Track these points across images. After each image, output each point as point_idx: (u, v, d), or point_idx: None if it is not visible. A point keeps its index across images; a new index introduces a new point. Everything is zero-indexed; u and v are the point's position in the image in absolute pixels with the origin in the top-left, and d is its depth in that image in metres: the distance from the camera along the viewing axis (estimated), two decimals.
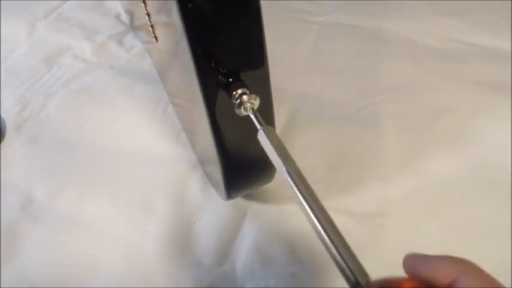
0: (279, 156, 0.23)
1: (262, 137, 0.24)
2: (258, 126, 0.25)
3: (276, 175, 0.36)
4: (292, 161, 0.23)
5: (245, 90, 0.25)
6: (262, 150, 0.29)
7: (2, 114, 0.48)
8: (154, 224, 0.38)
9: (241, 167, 0.32)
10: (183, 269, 0.36)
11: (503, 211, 0.37)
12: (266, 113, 0.26)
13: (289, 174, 0.22)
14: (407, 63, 0.53)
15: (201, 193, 0.40)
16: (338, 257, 0.19)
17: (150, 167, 0.43)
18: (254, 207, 0.39)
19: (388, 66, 0.52)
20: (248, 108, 0.26)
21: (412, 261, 0.19)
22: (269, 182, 0.36)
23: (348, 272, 0.18)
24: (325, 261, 0.36)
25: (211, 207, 0.39)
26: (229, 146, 0.30)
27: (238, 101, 0.25)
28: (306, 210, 0.20)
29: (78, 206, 0.40)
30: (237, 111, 0.26)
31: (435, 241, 0.36)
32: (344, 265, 0.18)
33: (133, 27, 0.58)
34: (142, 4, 0.37)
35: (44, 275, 0.36)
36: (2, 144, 0.45)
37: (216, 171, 0.32)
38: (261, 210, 0.39)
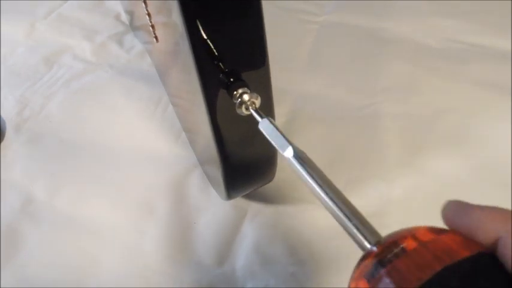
0: (283, 139, 0.23)
1: (264, 127, 0.25)
2: (259, 119, 0.25)
3: (276, 175, 0.36)
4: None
5: (246, 89, 0.25)
6: (263, 149, 0.29)
7: (2, 114, 0.48)
8: (154, 224, 0.38)
9: (241, 166, 0.32)
10: (183, 269, 0.36)
11: None
12: (267, 112, 0.26)
13: (295, 153, 0.22)
14: (407, 63, 0.53)
15: (201, 193, 0.40)
16: (347, 222, 0.19)
17: (150, 167, 0.43)
18: (254, 207, 0.39)
19: (388, 66, 0.52)
20: (249, 107, 0.26)
21: (452, 212, 0.17)
22: (269, 182, 0.36)
23: (359, 236, 0.18)
24: (325, 262, 0.36)
25: (211, 208, 0.39)
26: (230, 146, 0.30)
27: (239, 100, 0.26)
28: (314, 187, 0.20)
29: (78, 206, 0.40)
30: (238, 110, 0.26)
31: None
32: (354, 229, 0.18)
33: (133, 27, 0.58)
34: (143, 4, 0.37)
35: (44, 275, 0.36)
36: (2, 144, 0.45)
37: (217, 171, 0.32)
38: (261, 210, 0.39)
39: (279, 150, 0.23)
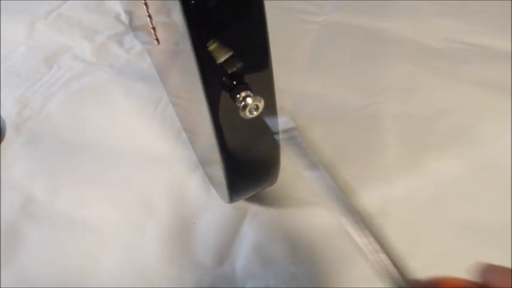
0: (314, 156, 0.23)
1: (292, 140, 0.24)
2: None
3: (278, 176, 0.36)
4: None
5: (249, 93, 0.25)
6: (266, 152, 0.29)
7: (2, 114, 0.48)
8: (155, 224, 0.38)
9: (244, 170, 0.32)
10: (183, 269, 0.36)
11: (503, 211, 0.37)
12: (270, 114, 0.26)
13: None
14: (408, 63, 0.53)
15: (201, 193, 0.40)
16: (382, 261, 0.19)
17: (150, 167, 0.43)
18: (254, 207, 0.39)
19: (388, 66, 0.52)
20: (253, 110, 0.25)
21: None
22: (272, 185, 0.36)
23: (396, 277, 0.18)
24: (325, 262, 0.36)
25: (211, 208, 0.39)
26: (233, 149, 0.29)
27: (243, 103, 0.25)
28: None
29: (78, 206, 0.40)
30: (241, 114, 0.26)
31: (435, 241, 0.36)
32: (391, 270, 0.18)
33: (133, 27, 0.58)
34: (144, 6, 0.37)
35: (44, 275, 0.36)
36: (2, 144, 0.45)
37: (219, 173, 0.32)
38: (261, 211, 0.39)
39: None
